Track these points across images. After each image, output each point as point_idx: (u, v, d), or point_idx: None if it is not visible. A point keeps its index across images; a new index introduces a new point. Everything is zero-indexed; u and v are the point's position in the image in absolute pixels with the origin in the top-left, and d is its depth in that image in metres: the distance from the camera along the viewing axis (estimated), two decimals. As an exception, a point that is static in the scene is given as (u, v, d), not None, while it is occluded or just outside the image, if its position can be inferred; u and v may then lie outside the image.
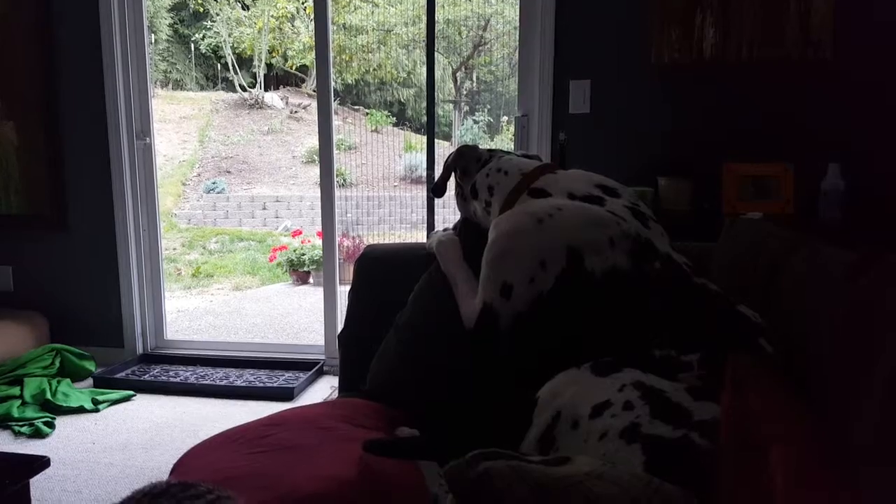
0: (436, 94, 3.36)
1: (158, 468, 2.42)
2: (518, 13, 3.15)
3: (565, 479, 0.68)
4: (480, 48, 9.79)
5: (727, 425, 0.76)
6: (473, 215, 1.59)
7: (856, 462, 0.64)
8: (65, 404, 2.97)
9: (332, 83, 3.47)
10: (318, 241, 5.36)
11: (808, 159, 2.66)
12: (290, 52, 11.40)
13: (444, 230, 1.71)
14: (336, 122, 4.03)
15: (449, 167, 1.61)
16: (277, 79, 12.14)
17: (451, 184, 1.65)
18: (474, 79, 10.55)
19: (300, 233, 7.62)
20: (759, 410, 0.73)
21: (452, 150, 1.65)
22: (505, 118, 9.73)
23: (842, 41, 2.67)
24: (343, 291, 3.13)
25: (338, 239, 3.72)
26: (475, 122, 10.24)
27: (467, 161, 1.58)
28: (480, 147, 1.62)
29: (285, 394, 3.13)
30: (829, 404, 0.78)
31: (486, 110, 10.36)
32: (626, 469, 0.76)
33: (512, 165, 1.49)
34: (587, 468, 0.72)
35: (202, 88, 12.61)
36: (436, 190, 1.63)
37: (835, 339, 0.83)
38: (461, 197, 1.63)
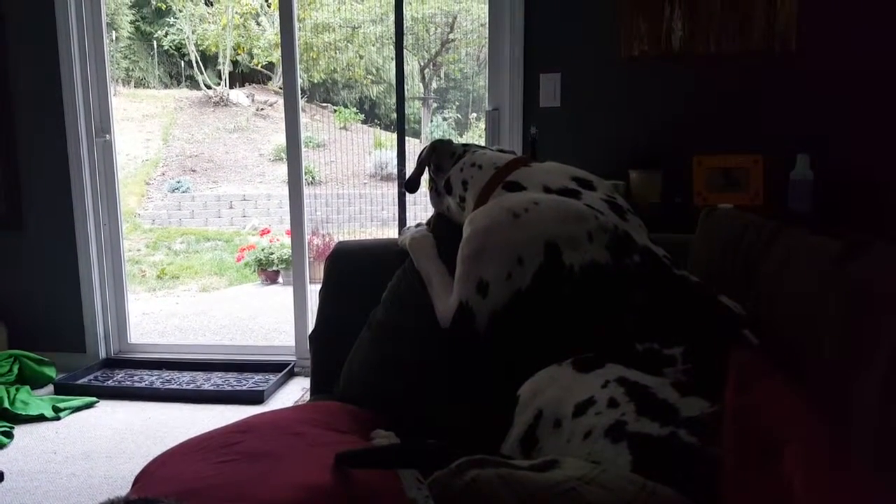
0: (405, 91, 3.31)
1: (123, 477, 2.34)
2: (487, 7, 3.12)
3: (556, 486, 0.65)
4: (448, 45, 9.74)
5: (732, 423, 0.73)
6: (447, 211, 1.55)
7: (858, 448, 0.62)
8: (24, 413, 2.86)
9: (299, 81, 3.41)
10: (287, 240, 5.27)
11: (777, 150, 2.68)
12: (255, 50, 11.21)
13: (417, 226, 1.66)
14: (304, 119, 3.95)
15: (422, 162, 1.57)
16: (243, 76, 11.94)
17: (425, 179, 1.61)
18: (442, 76, 10.50)
19: (268, 231, 7.50)
20: (767, 408, 0.70)
21: (422, 146, 1.61)
22: (474, 115, 9.70)
23: (807, 34, 2.70)
24: (313, 290, 3.07)
25: (307, 237, 3.66)
26: (444, 118, 10.20)
27: (441, 156, 1.55)
28: (454, 142, 1.58)
29: (255, 397, 3.05)
30: (826, 390, 0.76)
31: (454, 107, 10.32)
32: (617, 472, 0.73)
33: (486, 159, 1.46)
34: (578, 472, 0.69)
35: (166, 86, 12.34)
36: (409, 185, 1.60)
37: (828, 323, 0.81)
38: (435, 192, 1.59)
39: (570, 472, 0.69)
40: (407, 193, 3.15)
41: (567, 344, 1.11)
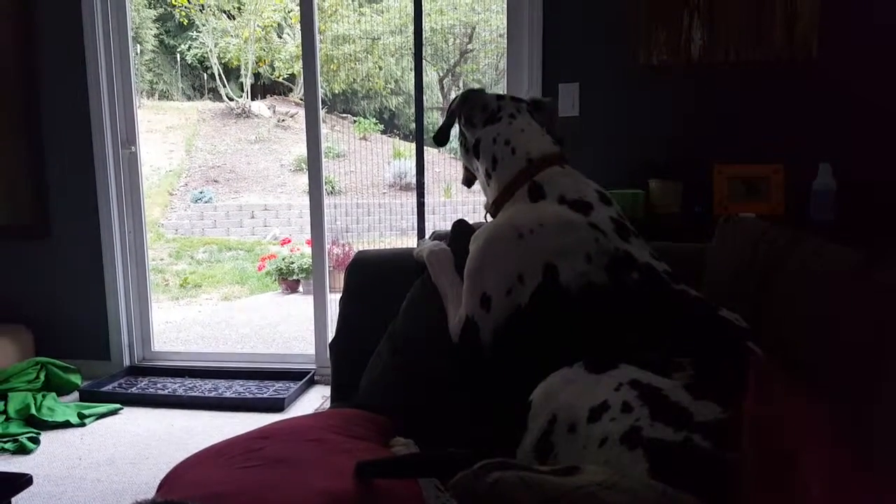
0: (424, 101, 3.34)
1: (146, 483, 2.37)
2: (505, 18, 3.14)
3: (576, 490, 0.66)
4: (467, 55, 9.79)
5: (750, 430, 0.73)
6: (475, 172, 1.53)
7: (876, 458, 0.62)
8: (50, 419, 2.91)
9: (320, 92, 3.45)
10: (308, 250, 5.32)
11: (799, 160, 2.66)
12: (276, 62, 11.35)
13: (434, 234, 1.68)
14: (324, 129, 4.00)
15: (453, 113, 1.51)
16: (265, 88, 12.08)
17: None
18: (461, 86, 10.56)
19: (289, 241, 7.57)
20: (784, 415, 0.70)
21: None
22: (493, 124, 9.70)
23: (827, 42, 2.68)
24: (333, 299, 3.10)
25: (327, 247, 3.69)
26: (463, 128, 10.24)
27: (472, 108, 1.48)
28: (488, 93, 1.50)
29: (276, 404, 3.08)
30: (843, 398, 0.76)
31: (473, 117, 10.35)
32: (638, 478, 0.73)
33: (521, 143, 1.40)
34: (599, 478, 0.69)
35: (189, 99, 12.54)
36: (438, 137, 1.53)
37: (845, 332, 0.81)
38: (463, 147, 1.54)
39: (590, 478, 0.70)
40: (424, 203, 3.18)
41: (567, 360, 1.12)
